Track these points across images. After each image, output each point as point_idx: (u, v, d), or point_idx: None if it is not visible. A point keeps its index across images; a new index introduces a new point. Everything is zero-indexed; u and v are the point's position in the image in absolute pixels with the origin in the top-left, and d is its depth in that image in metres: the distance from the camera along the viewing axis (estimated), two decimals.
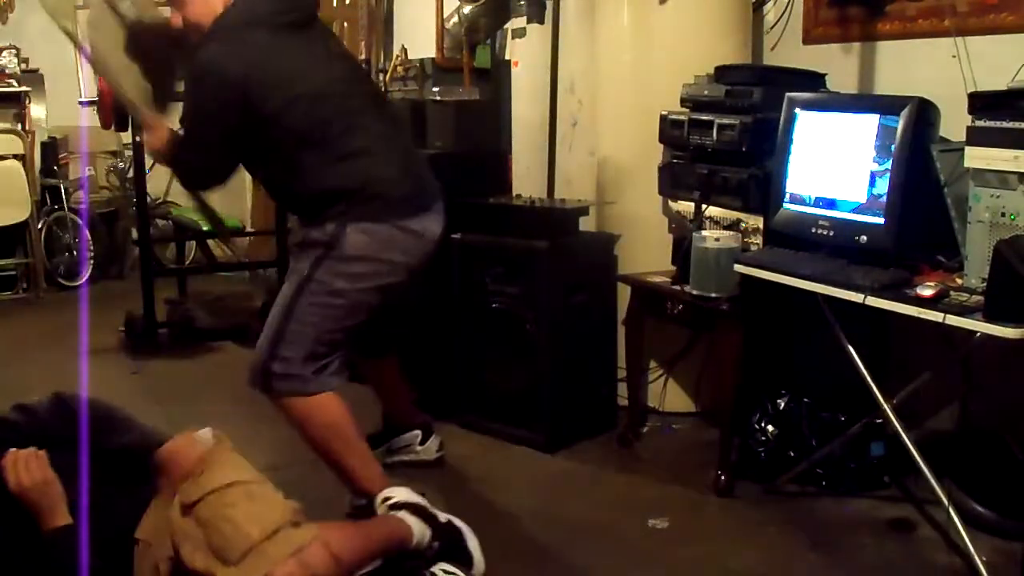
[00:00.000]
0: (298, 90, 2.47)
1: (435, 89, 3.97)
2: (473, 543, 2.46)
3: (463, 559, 2.42)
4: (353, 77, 2.70)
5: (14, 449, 2.01)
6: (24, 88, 6.32)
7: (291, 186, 2.56)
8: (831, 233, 2.73)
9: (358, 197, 2.49)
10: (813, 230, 2.78)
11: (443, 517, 2.47)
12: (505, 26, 4.51)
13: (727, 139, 3.06)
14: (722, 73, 3.21)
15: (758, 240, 3.01)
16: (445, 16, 4.96)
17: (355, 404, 2.69)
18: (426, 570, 2.35)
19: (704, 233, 3.01)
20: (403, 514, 2.39)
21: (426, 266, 2.72)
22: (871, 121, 2.65)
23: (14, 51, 6.38)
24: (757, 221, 3.01)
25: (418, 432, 3.23)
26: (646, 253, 3.50)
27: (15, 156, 5.82)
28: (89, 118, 5.82)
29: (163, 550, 1.99)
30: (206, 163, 2.59)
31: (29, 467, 1.97)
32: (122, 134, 5.47)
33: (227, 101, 2.42)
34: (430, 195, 2.67)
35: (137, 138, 4.79)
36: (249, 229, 6.33)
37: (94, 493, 2.01)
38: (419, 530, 2.36)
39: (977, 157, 2.30)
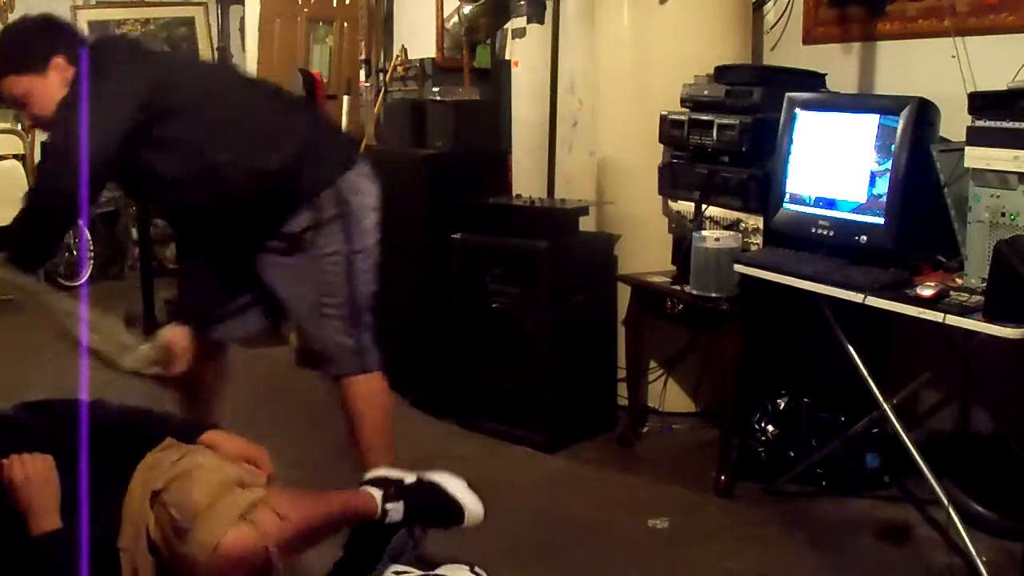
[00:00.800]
0: (216, 86, 2.49)
1: (435, 89, 3.97)
2: (456, 486, 2.38)
3: (443, 511, 2.35)
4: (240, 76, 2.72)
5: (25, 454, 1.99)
6: None
7: (260, 167, 2.42)
8: (831, 233, 2.73)
9: (322, 153, 2.49)
10: (813, 230, 2.78)
11: (411, 477, 2.37)
12: (505, 26, 4.52)
13: (727, 139, 3.06)
14: (722, 73, 3.21)
15: (758, 240, 3.01)
16: (445, 16, 4.96)
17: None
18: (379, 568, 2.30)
19: (704, 233, 3.01)
20: (366, 487, 2.33)
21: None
22: (871, 121, 2.65)
23: None
24: (757, 221, 3.01)
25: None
26: (646, 253, 3.50)
27: (15, 156, 5.82)
28: None
29: (141, 551, 1.97)
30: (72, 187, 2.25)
31: (32, 465, 1.96)
32: None
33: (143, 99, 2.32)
34: (356, 145, 2.74)
35: None
36: None
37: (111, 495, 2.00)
38: (381, 498, 2.28)
39: (977, 157, 2.30)
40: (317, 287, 2.51)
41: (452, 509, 2.36)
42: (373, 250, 2.61)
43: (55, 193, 2.32)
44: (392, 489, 2.31)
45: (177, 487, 1.97)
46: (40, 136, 6.29)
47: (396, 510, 2.29)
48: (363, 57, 5.64)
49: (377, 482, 2.35)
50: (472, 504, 2.37)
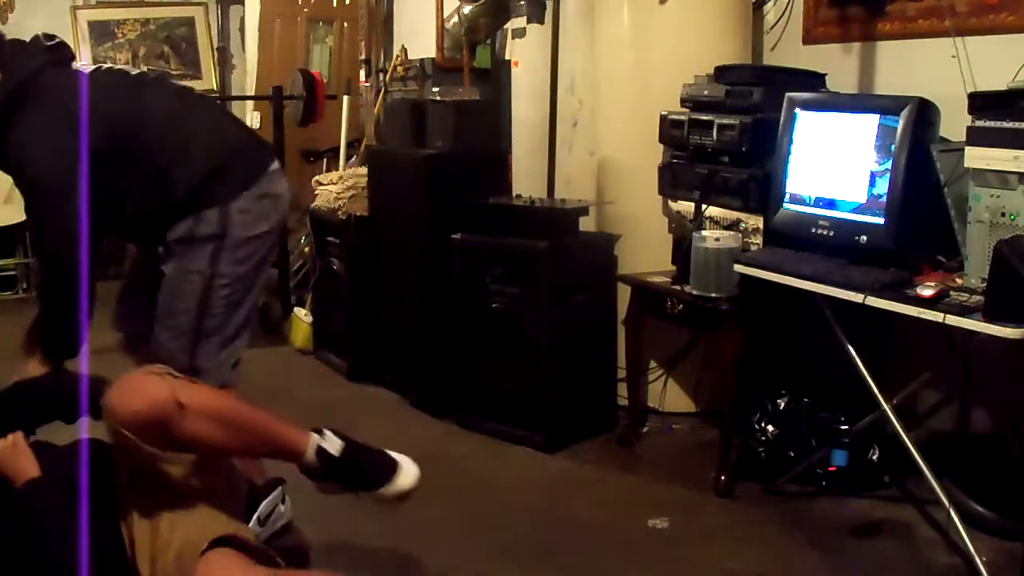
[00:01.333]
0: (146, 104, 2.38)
1: (435, 89, 3.97)
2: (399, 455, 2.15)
3: (377, 463, 2.12)
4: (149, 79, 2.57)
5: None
6: None
7: (166, 198, 2.36)
8: (831, 233, 2.73)
9: (223, 174, 2.39)
10: (813, 230, 2.78)
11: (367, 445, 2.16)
12: (505, 26, 4.52)
13: (727, 139, 3.06)
14: (722, 73, 3.21)
15: (758, 240, 3.01)
16: (445, 16, 4.96)
17: None
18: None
19: (704, 233, 3.01)
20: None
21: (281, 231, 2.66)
22: (871, 121, 2.65)
23: None
24: (757, 221, 3.01)
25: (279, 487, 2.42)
26: (646, 253, 3.50)
27: None
28: None
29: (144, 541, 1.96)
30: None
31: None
32: None
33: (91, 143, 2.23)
34: (268, 154, 2.60)
35: None
36: None
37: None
38: (314, 441, 2.06)
39: (977, 157, 2.30)
40: (171, 298, 2.41)
41: (386, 463, 2.13)
42: (244, 280, 2.43)
43: (55, 263, 2.29)
44: (340, 442, 2.10)
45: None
46: None
47: (333, 444, 2.07)
48: (363, 57, 5.65)
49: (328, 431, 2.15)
50: (408, 464, 2.14)
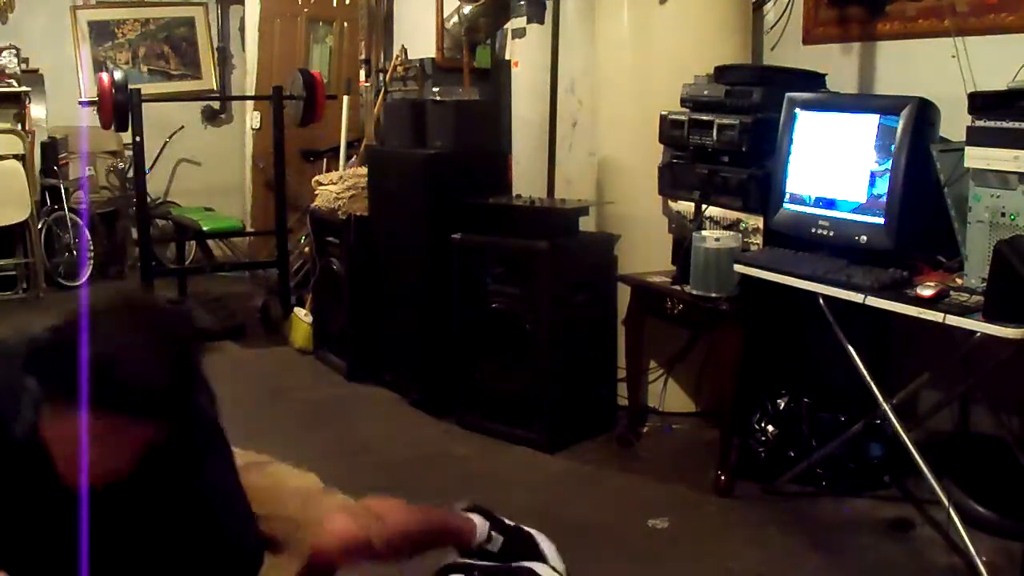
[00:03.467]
0: None
1: (435, 89, 3.97)
2: (548, 547, 2.25)
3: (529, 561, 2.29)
4: None
5: None
6: (24, 88, 6.31)
7: None
8: (831, 233, 2.73)
9: None
10: (813, 230, 2.78)
11: (511, 522, 2.26)
12: (505, 26, 4.51)
13: (727, 139, 3.06)
14: (722, 73, 3.21)
15: (758, 240, 3.01)
16: (445, 16, 4.96)
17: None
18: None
19: (704, 233, 3.00)
20: (468, 513, 2.30)
21: None
22: (871, 121, 2.65)
23: (14, 51, 6.37)
24: (757, 221, 3.01)
25: None
26: (646, 253, 3.50)
27: (15, 156, 5.81)
28: (89, 118, 5.82)
29: None
30: None
31: None
32: (122, 134, 5.47)
33: None
34: None
35: (137, 138, 4.79)
36: (249, 229, 6.33)
37: None
38: (482, 526, 2.18)
39: (977, 157, 2.30)
40: None
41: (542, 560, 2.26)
42: None
43: None
44: (496, 520, 2.22)
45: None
46: (40, 136, 6.32)
47: (497, 542, 2.18)
48: (363, 57, 5.65)
49: (478, 510, 2.30)
50: (558, 562, 2.23)
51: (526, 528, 2.30)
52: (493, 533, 2.18)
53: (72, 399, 1.30)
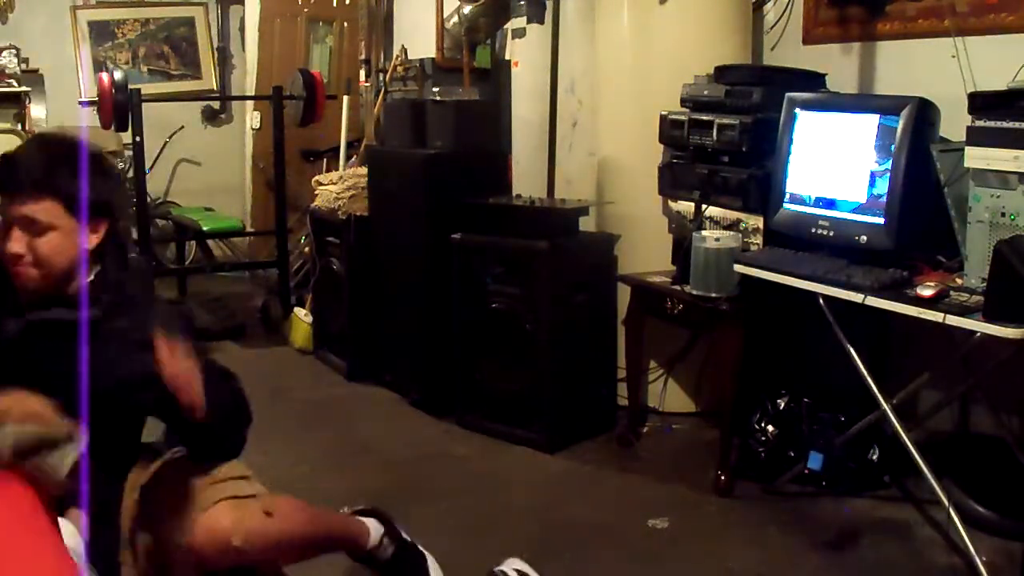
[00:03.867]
0: None
1: (435, 89, 3.96)
2: (435, 568, 2.33)
3: None
4: None
5: None
6: (24, 88, 6.31)
7: None
8: (831, 233, 2.73)
9: None
10: (813, 230, 2.78)
11: (408, 537, 2.32)
12: (505, 26, 4.51)
13: (727, 139, 3.06)
14: (722, 73, 3.21)
15: (758, 240, 3.01)
16: (445, 16, 4.96)
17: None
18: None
19: (704, 233, 3.00)
20: (364, 517, 2.27)
21: None
22: (871, 121, 2.65)
23: (14, 51, 6.36)
24: (757, 221, 3.01)
25: None
26: (646, 253, 3.50)
27: None
28: (89, 118, 5.81)
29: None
30: None
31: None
32: (122, 134, 5.46)
33: None
34: None
35: (137, 138, 4.79)
36: (249, 229, 6.34)
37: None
38: (376, 532, 2.22)
39: (977, 157, 2.30)
40: None
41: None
42: None
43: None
44: (392, 529, 2.26)
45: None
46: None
47: (388, 550, 2.24)
48: (363, 57, 5.65)
49: (376, 515, 2.28)
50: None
51: (420, 548, 2.34)
52: (385, 540, 2.24)
53: None
